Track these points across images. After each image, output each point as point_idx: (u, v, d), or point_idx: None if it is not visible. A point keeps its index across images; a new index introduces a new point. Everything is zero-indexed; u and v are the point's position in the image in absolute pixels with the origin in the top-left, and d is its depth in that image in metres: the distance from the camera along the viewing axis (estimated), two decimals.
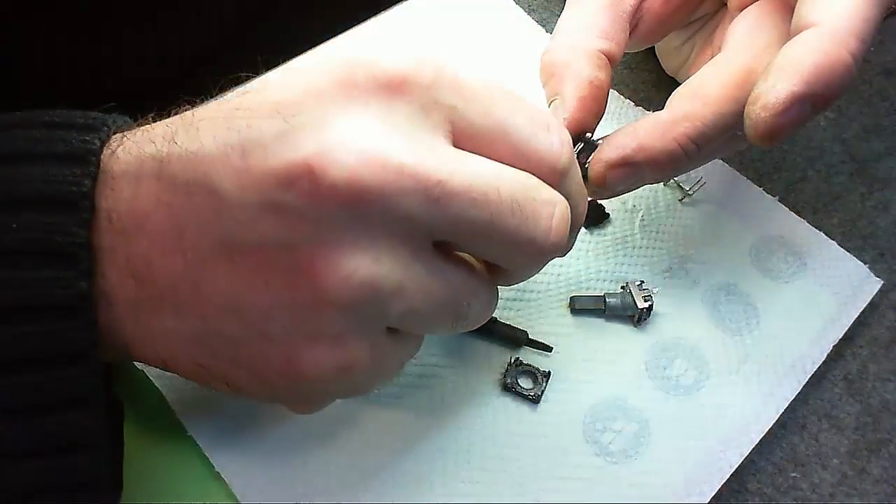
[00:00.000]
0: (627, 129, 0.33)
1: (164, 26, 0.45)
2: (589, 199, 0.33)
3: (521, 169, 0.27)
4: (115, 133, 0.27)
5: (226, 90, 0.27)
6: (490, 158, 0.26)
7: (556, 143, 0.27)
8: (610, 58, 0.35)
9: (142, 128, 0.27)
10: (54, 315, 0.24)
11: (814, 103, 0.29)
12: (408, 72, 0.25)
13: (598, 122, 0.35)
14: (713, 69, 0.34)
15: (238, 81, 0.27)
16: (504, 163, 0.26)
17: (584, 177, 0.33)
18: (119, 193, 0.25)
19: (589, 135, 0.34)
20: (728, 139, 0.34)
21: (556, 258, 0.40)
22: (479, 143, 0.26)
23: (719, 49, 0.35)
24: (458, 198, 0.25)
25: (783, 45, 0.33)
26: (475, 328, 0.30)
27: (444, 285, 0.27)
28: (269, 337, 0.26)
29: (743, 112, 0.31)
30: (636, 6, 0.36)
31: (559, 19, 0.37)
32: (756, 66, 0.33)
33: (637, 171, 0.32)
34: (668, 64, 0.43)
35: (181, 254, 0.25)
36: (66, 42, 0.41)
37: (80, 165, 0.25)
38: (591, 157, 0.34)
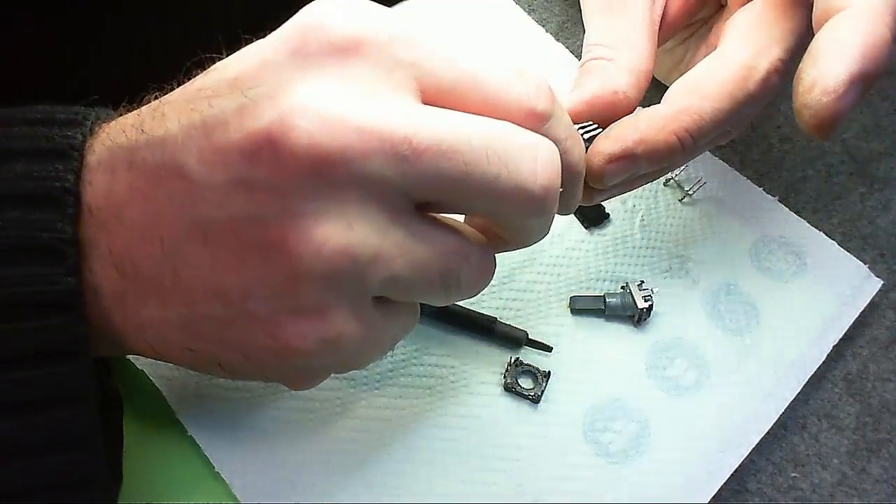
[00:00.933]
0: (626, 122, 0.33)
1: (170, 26, 0.45)
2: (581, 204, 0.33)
3: (498, 117, 0.26)
4: (96, 126, 0.27)
5: (191, 74, 0.27)
6: (463, 111, 0.25)
7: (532, 88, 0.26)
8: (646, 79, 0.35)
9: (115, 120, 0.27)
10: (44, 312, 0.24)
11: (865, 83, 0.29)
12: (361, 32, 0.24)
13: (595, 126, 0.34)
14: (712, 64, 0.33)
15: (202, 64, 0.27)
16: (478, 113, 0.25)
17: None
18: (96, 186, 0.25)
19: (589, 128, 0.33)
20: (718, 135, 0.34)
21: (557, 259, 0.40)
22: (449, 96, 0.25)
23: (715, 47, 0.35)
24: (426, 153, 0.24)
25: (786, 42, 0.33)
26: (472, 295, 0.29)
27: (427, 249, 0.26)
28: (252, 315, 0.25)
29: (737, 108, 0.32)
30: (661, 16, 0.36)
31: (595, 29, 0.36)
32: (756, 63, 0.33)
33: (634, 164, 0.32)
34: (659, 67, 0.43)
35: (158, 241, 0.25)
36: (66, 41, 0.41)
37: (63, 161, 0.25)
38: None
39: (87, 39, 0.42)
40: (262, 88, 0.24)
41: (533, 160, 0.25)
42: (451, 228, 0.27)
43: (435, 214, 0.27)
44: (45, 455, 0.25)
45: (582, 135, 0.32)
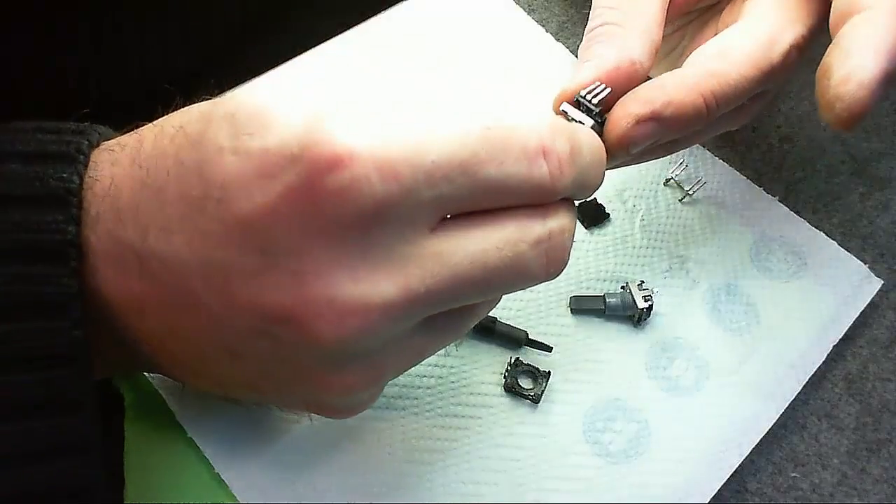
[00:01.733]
0: (653, 84, 0.32)
1: (169, 29, 0.45)
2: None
3: (517, 204, 0.26)
4: (93, 149, 0.26)
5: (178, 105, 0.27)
6: (481, 209, 0.26)
7: (554, 167, 0.26)
8: (656, 49, 0.34)
9: (106, 188, 0.25)
10: (50, 365, 0.24)
11: (891, 81, 0.30)
12: (380, 198, 0.23)
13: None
14: (738, 33, 0.33)
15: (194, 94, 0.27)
16: (497, 206, 0.26)
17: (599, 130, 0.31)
18: (105, 276, 0.25)
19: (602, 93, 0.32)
20: (730, 116, 0.35)
21: None
22: (469, 205, 0.25)
23: (727, 25, 0.36)
24: (446, 293, 0.25)
25: (808, 21, 0.34)
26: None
27: (443, 338, 0.29)
28: (289, 399, 0.29)
29: (760, 78, 0.32)
30: None
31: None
32: (780, 37, 0.33)
33: (661, 127, 0.31)
34: None
35: (186, 343, 0.26)
36: (68, 44, 0.41)
37: (62, 209, 0.24)
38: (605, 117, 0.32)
39: (85, 45, 0.42)
40: (280, 251, 0.23)
41: (544, 255, 0.26)
42: (454, 318, 0.29)
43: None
44: (45, 463, 0.25)
45: (590, 100, 0.31)
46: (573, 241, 0.28)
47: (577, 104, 0.31)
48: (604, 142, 0.30)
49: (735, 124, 0.37)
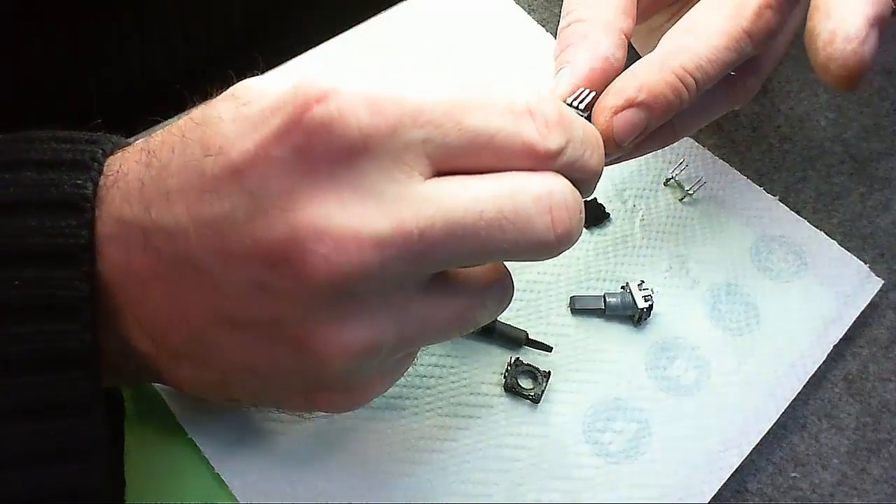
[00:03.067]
0: (624, 74, 0.32)
1: (171, 28, 0.45)
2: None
3: (509, 166, 0.26)
4: (106, 158, 0.27)
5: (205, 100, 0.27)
6: (474, 168, 0.25)
7: (541, 125, 0.26)
8: (627, 37, 0.34)
9: (114, 175, 0.26)
10: (59, 367, 0.24)
11: (881, 26, 0.29)
12: (368, 130, 0.23)
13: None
14: (702, 7, 0.33)
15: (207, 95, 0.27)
16: (489, 167, 0.25)
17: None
18: (110, 258, 0.25)
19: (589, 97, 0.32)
20: (717, 100, 0.34)
21: (557, 259, 0.40)
22: (460, 158, 0.25)
23: None
24: (442, 241, 0.24)
25: None
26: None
27: (445, 314, 0.27)
28: (284, 386, 0.28)
29: (734, 45, 0.31)
30: None
31: None
32: (746, 1, 0.32)
33: (642, 114, 0.31)
34: (647, 46, 0.41)
35: (185, 322, 0.26)
36: (70, 44, 0.41)
37: (75, 214, 0.25)
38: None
39: (86, 45, 0.42)
40: (271, 192, 0.24)
41: (547, 212, 0.25)
42: (465, 285, 0.28)
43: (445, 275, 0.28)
44: (53, 465, 0.25)
45: (577, 105, 0.31)
46: (581, 215, 0.27)
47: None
48: None
49: (735, 103, 0.36)
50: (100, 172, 0.26)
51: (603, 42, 0.32)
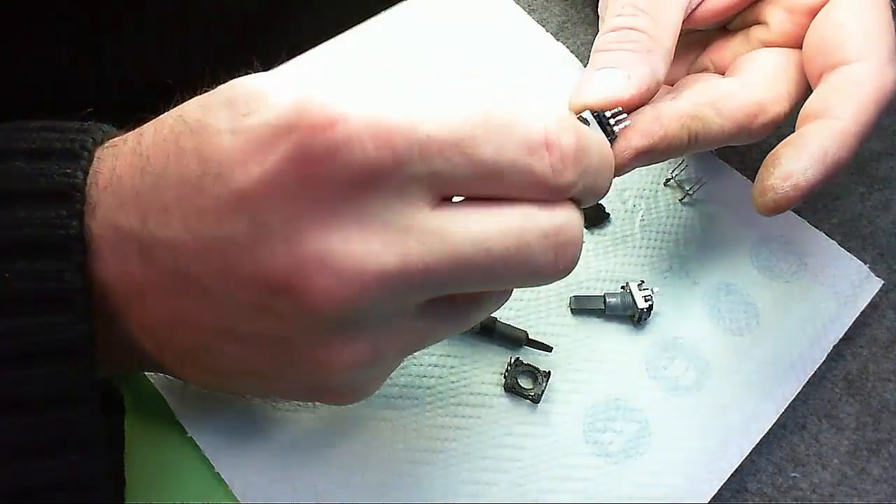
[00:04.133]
0: (650, 115, 0.32)
1: (168, 28, 0.46)
2: None
3: (518, 197, 0.25)
4: (97, 147, 0.26)
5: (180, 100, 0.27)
6: (482, 194, 0.25)
7: (557, 161, 0.25)
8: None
9: (107, 177, 0.25)
10: (55, 359, 0.24)
11: (832, 173, 0.32)
12: (373, 164, 0.23)
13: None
14: (733, 89, 0.35)
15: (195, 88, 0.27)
16: (498, 195, 0.25)
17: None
18: (107, 264, 0.25)
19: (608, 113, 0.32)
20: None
21: None
22: (468, 188, 0.25)
23: (709, 67, 0.39)
24: (447, 275, 0.24)
25: (793, 99, 0.36)
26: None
27: (446, 325, 0.28)
28: (289, 387, 0.28)
29: (736, 135, 0.34)
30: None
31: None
32: (769, 107, 0.35)
33: (653, 157, 0.33)
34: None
35: (187, 331, 0.26)
36: (67, 42, 0.41)
37: (66, 205, 0.24)
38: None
39: (84, 43, 0.42)
40: (275, 221, 0.23)
41: (553, 249, 0.26)
42: (466, 299, 0.29)
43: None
44: (48, 457, 0.25)
45: (612, 125, 0.31)
46: (583, 242, 0.27)
47: (598, 117, 0.31)
48: None
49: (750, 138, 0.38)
50: (90, 162, 0.25)
51: (660, 65, 0.34)
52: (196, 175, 0.24)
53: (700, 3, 0.37)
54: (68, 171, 0.25)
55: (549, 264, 0.26)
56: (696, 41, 0.41)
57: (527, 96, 0.34)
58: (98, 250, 0.25)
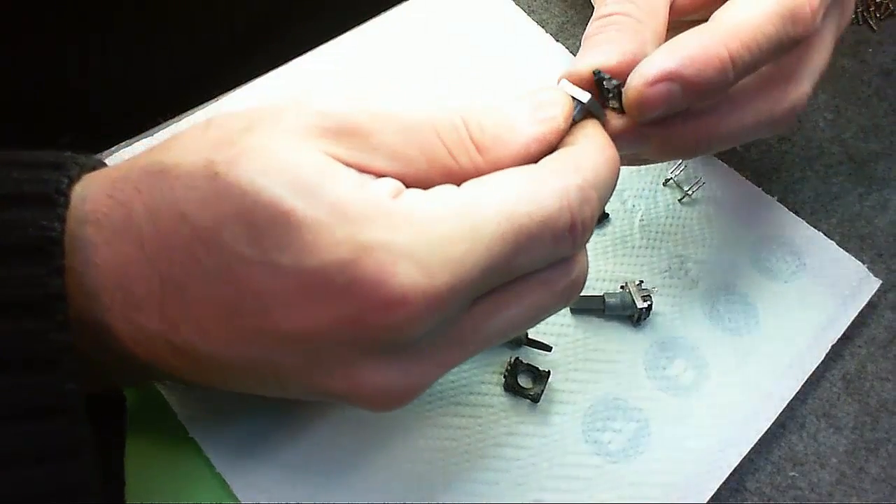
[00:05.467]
0: (668, 45, 0.31)
1: (172, 32, 0.46)
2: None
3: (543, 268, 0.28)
4: (73, 185, 0.25)
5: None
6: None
7: (579, 240, 0.27)
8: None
9: (117, 277, 0.25)
10: (35, 366, 0.23)
11: (682, 85, 0.30)
12: (428, 324, 0.25)
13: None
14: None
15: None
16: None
17: (619, 107, 0.31)
18: (132, 347, 0.26)
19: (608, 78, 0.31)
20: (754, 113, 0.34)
21: None
22: (502, 285, 0.27)
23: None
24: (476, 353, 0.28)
25: None
26: None
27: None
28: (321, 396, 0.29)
29: (783, 29, 0.31)
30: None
31: None
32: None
33: (677, 87, 0.30)
34: None
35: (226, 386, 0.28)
36: (73, 50, 0.42)
37: (44, 261, 0.23)
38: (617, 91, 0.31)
39: (90, 52, 0.42)
40: (329, 357, 0.25)
41: (564, 299, 0.29)
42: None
43: None
44: (32, 468, 0.24)
45: (608, 84, 0.30)
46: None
47: (598, 82, 0.31)
48: (623, 112, 0.31)
49: (776, 120, 0.35)
50: (66, 207, 0.24)
51: (648, 45, 0.32)
52: (230, 301, 0.24)
53: None
54: (44, 223, 0.23)
55: (558, 307, 0.29)
56: None
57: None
58: (124, 343, 0.25)
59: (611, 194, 0.29)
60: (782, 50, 0.32)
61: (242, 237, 0.23)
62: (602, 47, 0.31)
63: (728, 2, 0.33)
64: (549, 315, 0.29)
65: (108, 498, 0.28)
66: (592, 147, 0.28)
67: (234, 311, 0.24)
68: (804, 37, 0.32)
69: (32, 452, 0.24)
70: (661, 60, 0.30)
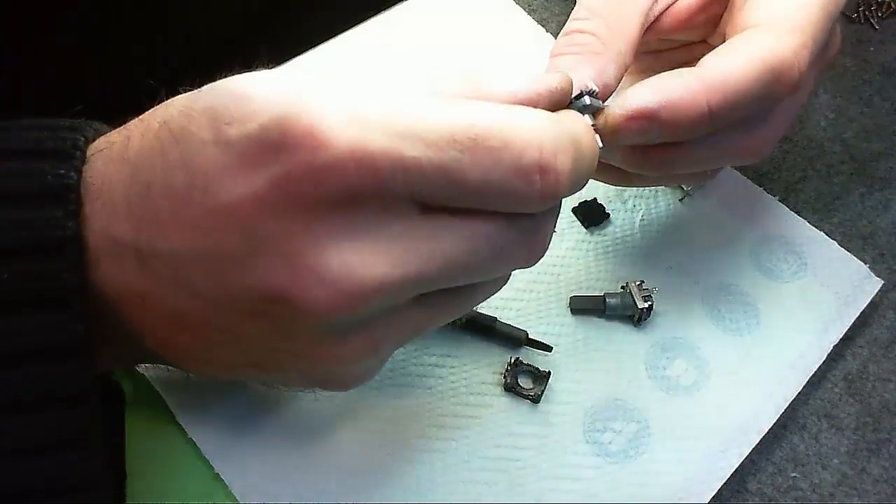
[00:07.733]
0: (650, 81, 0.31)
1: (170, 27, 0.46)
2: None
3: (505, 210, 0.26)
4: (88, 145, 0.26)
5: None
6: (469, 205, 0.25)
7: (549, 187, 0.25)
8: (622, 74, 0.34)
9: (98, 186, 0.25)
10: (54, 358, 0.24)
11: (657, 124, 0.31)
12: (355, 187, 0.23)
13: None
14: (738, 42, 0.33)
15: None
16: (485, 210, 0.26)
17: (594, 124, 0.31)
18: (106, 272, 0.25)
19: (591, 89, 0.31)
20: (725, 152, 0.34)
21: (557, 259, 0.40)
22: (454, 203, 0.25)
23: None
24: (436, 276, 0.25)
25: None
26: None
27: (442, 314, 0.29)
28: (289, 378, 0.29)
29: (766, 84, 0.31)
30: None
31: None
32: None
33: (655, 127, 0.31)
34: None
35: (187, 331, 0.26)
36: (72, 41, 0.42)
37: (61, 205, 0.24)
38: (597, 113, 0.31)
39: (88, 44, 0.42)
40: (266, 236, 0.24)
41: (525, 247, 0.27)
42: (453, 295, 0.29)
43: None
44: (48, 456, 0.25)
45: (584, 103, 0.30)
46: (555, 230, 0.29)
47: (578, 97, 0.30)
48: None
49: (746, 155, 0.36)
50: (82, 161, 0.26)
51: (610, 71, 0.32)
52: (184, 188, 0.24)
53: (666, 10, 0.37)
54: (61, 171, 0.25)
55: (522, 258, 0.27)
56: (683, 59, 0.40)
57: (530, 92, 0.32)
58: (95, 258, 0.25)
59: (587, 176, 0.28)
60: (764, 106, 0.33)
61: (205, 125, 0.24)
62: (553, 77, 0.30)
63: (719, 47, 0.33)
64: (510, 267, 0.28)
65: (108, 497, 0.28)
66: (579, 122, 0.28)
67: (187, 200, 0.24)
68: (788, 95, 0.33)
69: (42, 394, 0.24)
70: (644, 97, 0.30)
